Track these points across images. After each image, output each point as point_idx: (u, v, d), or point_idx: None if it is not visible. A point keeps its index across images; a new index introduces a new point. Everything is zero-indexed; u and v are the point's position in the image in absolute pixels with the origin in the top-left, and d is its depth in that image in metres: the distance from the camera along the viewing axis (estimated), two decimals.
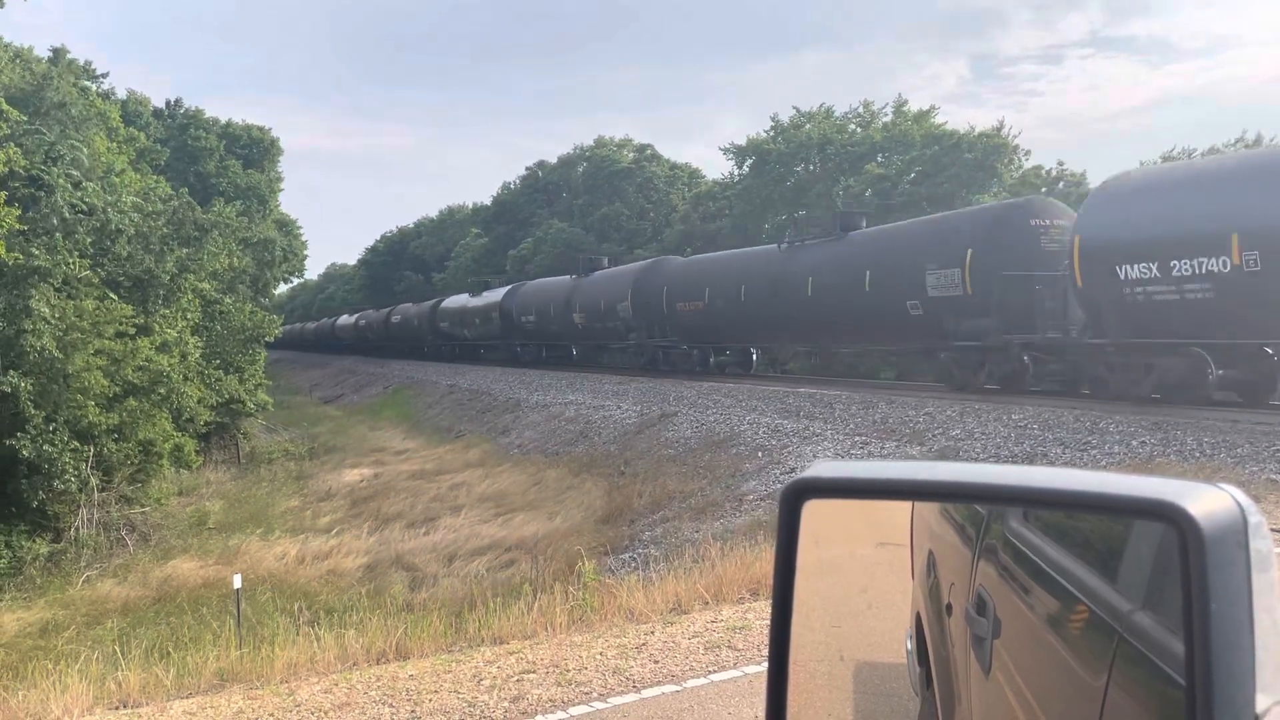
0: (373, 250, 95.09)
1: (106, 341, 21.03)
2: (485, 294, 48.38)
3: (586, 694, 5.89)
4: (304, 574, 17.83)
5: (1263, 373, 14.86)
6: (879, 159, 41.13)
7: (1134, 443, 12.53)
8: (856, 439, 16.20)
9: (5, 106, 21.53)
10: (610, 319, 33.92)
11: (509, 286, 45.82)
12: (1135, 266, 15.07)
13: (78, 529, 20.38)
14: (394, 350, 65.16)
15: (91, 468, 20.49)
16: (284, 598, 15.62)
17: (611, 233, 55.52)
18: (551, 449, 24.04)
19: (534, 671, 6.31)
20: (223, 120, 52.66)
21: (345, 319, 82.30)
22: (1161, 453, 11.88)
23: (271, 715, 5.83)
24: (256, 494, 27.43)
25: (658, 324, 31.52)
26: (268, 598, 15.40)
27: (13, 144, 20.59)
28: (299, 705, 5.95)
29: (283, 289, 79.43)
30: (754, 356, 29.90)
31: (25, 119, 22.16)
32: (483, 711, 5.68)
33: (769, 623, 1.34)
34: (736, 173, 48.52)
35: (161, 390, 22.70)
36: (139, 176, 30.86)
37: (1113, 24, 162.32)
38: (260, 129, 54.00)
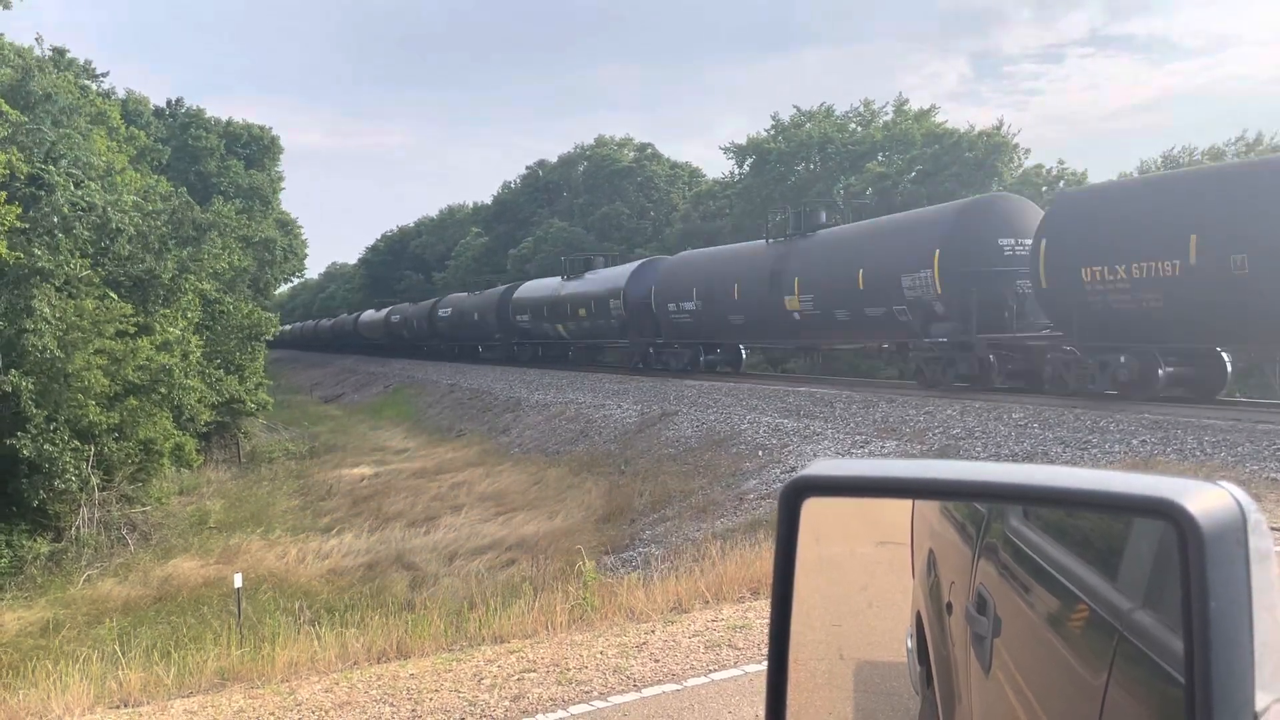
0: (373, 249, 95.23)
1: (107, 341, 21.03)
2: (590, 275, 36.10)
3: (587, 693, 5.89)
4: (304, 573, 17.84)
5: None
6: (880, 158, 41.15)
7: (1134, 441, 12.53)
8: (857, 438, 16.19)
9: (5, 108, 21.51)
10: (877, 301, 20.29)
11: (638, 263, 33.49)
12: None
13: (78, 528, 20.39)
14: (439, 351, 54.92)
15: (92, 467, 20.50)
16: (285, 597, 15.63)
17: (612, 232, 55.54)
18: (552, 448, 24.04)
19: (535, 670, 6.31)
20: (223, 120, 52.75)
21: (371, 315, 70.52)
22: (1162, 451, 11.88)
23: (272, 714, 5.83)
24: (257, 493, 27.45)
25: (1009, 307, 18.38)
26: (268, 597, 15.41)
27: (15, 146, 20.59)
28: (300, 704, 5.95)
29: (283, 288, 79.47)
30: None
31: (25, 120, 22.15)
32: (483, 710, 5.68)
33: (769, 621, 1.34)
34: (737, 172, 48.56)
35: (162, 389, 22.71)
36: (139, 176, 30.85)
37: (1113, 23, 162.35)
38: (261, 128, 54.07)
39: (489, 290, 47.89)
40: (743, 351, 29.65)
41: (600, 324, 34.12)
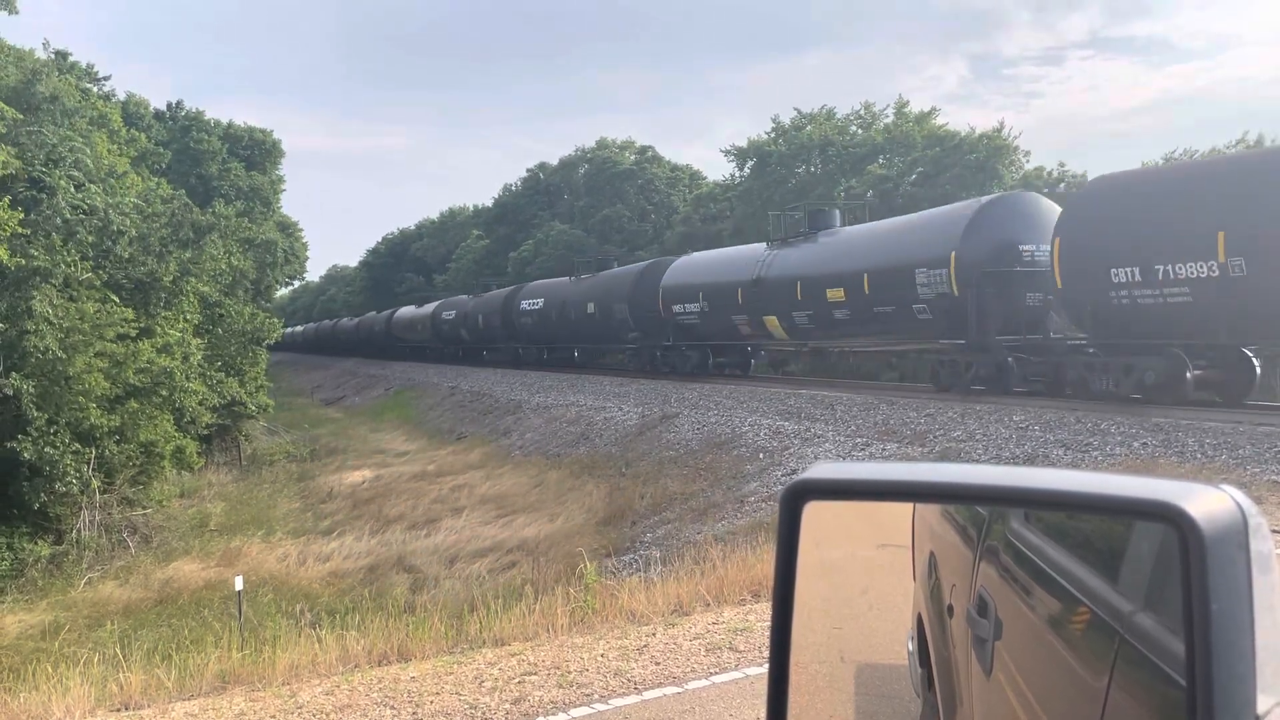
0: (374, 252, 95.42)
1: (107, 344, 21.04)
2: (828, 237, 22.94)
3: (588, 695, 5.89)
4: (305, 575, 17.84)
5: None
6: (880, 160, 41.11)
7: (1135, 444, 12.52)
8: (858, 440, 16.18)
9: (3, 106, 21.53)
10: None
11: (980, 205, 18.51)
12: None
13: (79, 531, 20.39)
14: (514, 357, 42.66)
15: (93, 470, 20.49)
16: (286, 599, 15.62)
17: (613, 234, 55.58)
18: (553, 450, 24.03)
19: (535, 673, 6.31)
20: (224, 122, 52.83)
21: (411, 312, 59.43)
22: (1163, 454, 11.87)
23: (273, 717, 5.83)
24: (258, 496, 27.45)
25: None
26: (269, 599, 15.40)
27: (10, 146, 20.58)
28: (300, 707, 5.95)
29: (283, 291, 79.43)
30: None
31: (23, 118, 22.15)
32: (484, 713, 5.68)
33: (770, 624, 1.34)
34: (737, 174, 48.56)
35: (163, 392, 22.71)
36: (140, 179, 30.88)
37: (1113, 25, 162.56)
38: (262, 131, 54.17)
39: (611, 271, 34.76)
40: (1189, 366, 14.47)
41: (883, 315, 19.85)
